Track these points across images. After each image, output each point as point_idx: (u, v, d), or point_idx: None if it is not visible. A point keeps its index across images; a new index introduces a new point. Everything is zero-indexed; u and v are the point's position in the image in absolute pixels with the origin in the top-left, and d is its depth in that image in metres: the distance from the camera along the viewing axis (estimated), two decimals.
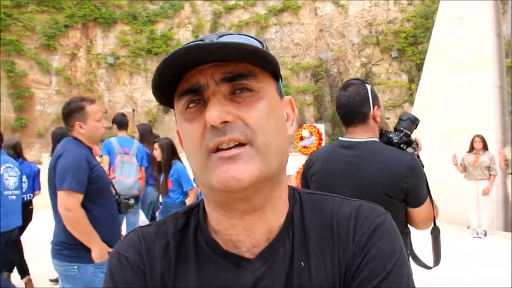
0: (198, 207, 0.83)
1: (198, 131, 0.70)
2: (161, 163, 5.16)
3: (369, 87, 2.13)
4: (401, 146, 2.14)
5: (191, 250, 0.79)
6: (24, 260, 5.32)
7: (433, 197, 2.16)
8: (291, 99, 0.83)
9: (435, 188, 8.00)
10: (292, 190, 0.83)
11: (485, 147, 8.13)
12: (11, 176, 4.42)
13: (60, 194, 2.73)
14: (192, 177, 5.04)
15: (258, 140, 0.69)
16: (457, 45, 9.63)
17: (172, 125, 15.14)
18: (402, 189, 2.00)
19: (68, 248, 2.80)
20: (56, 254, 2.85)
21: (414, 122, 2.23)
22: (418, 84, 11.23)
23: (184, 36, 15.60)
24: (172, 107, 0.76)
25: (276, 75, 0.76)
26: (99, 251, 2.81)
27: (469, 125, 8.78)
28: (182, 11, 15.68)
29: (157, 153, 5.18)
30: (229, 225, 0.76)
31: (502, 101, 9.75)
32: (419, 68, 12.86)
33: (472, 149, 8.19)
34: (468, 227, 8.25)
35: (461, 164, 8.20)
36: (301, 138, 7.96)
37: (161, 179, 5.17)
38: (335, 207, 0.80)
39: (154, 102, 15.11)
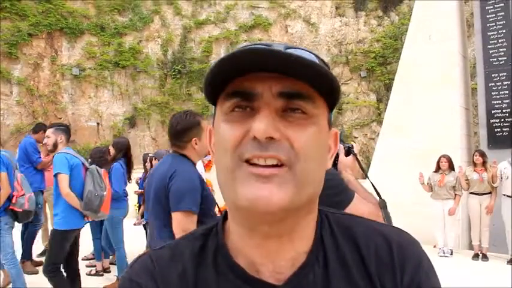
0: (216, 228, 0.78)
1: (237, 136, 0.66)
2: None
3: None
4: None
5: (211, 275, 0.73)
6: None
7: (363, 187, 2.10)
8: (336, 132, 0.79)
9: (402, 207, 7.91)
10: (319, 212, 0.78)
11: (451, 168, 8.28)
12: None
13: (177, 216, 2.66)
14: None
15: (299, 166, 0.65)
16: (425, 65, 9.82)
17: (137, 139, 14.83)
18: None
19: None
20: None
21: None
22: (386, 104, 11.37)
23: (153, 50, 15.41)
24: (214, 104, 0.72)
25: (331, 105, 0.72)
26: None
27: (437, 145, 8.92)
28: (151, 24, 15.51)
29: None
30: (253, 245, 0.71)
31: (467, 122, 9.97)
32: (388, 88, 13.02)
33: (438, 168, 8.34)
34: (434, 246, 8.30)
35: (427, 184, 8.33)
36: None
37: None
38: (367, 232, 0.78)
39: (119, 117, 14.79)
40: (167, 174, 2.73)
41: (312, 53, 0.71)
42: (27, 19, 13.66)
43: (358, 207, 1.99)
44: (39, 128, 7.04)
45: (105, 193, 5.04)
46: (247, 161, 0.64)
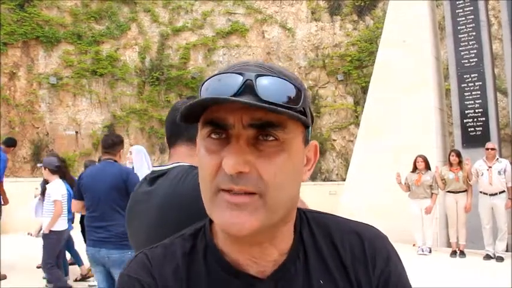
0: (204, 229, 0.84)
1: (213, 167, 0.70)
2: None
3: None
4: None
5: (202, 271, 0.79)
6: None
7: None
8: (316, 144, 0.82)
9: (381, 208, 8.05)
10: (298, 211, 0.84)
11: (427, 167, 8.42)
12: None
13: None
14: None
15: (269, 194, 0.69)
16: (400, 68, 10.00)
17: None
18: None
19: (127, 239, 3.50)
20: (115, 245, 3.80)
21: None
22: (363, 107, 11.49)
23: (130, 58, 15.32)
24: (196, 122, 0.74)
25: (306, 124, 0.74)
26: None
27: (413, 146, 9.07)
28: (129, 32, 15.39)
29: None
30: (237, 250, 0.78)
31: (442, 122, 10.16)
32: (364, 90, 13.19)
33: (415, 168, 8.46)
34: (414, 245, 8.41)
35: (405, 183, 8.43)
36: None
37: None
38: (342, 229, 0.86)
39: (98, 125, 14.65)
40: (122, 173, 4.02)
41: (284, 78, 0.71)
42: (1, 28, 13.46)
43: None
44: (12, 144, 6.99)
45: None
46: (223, 189, 0.70)
